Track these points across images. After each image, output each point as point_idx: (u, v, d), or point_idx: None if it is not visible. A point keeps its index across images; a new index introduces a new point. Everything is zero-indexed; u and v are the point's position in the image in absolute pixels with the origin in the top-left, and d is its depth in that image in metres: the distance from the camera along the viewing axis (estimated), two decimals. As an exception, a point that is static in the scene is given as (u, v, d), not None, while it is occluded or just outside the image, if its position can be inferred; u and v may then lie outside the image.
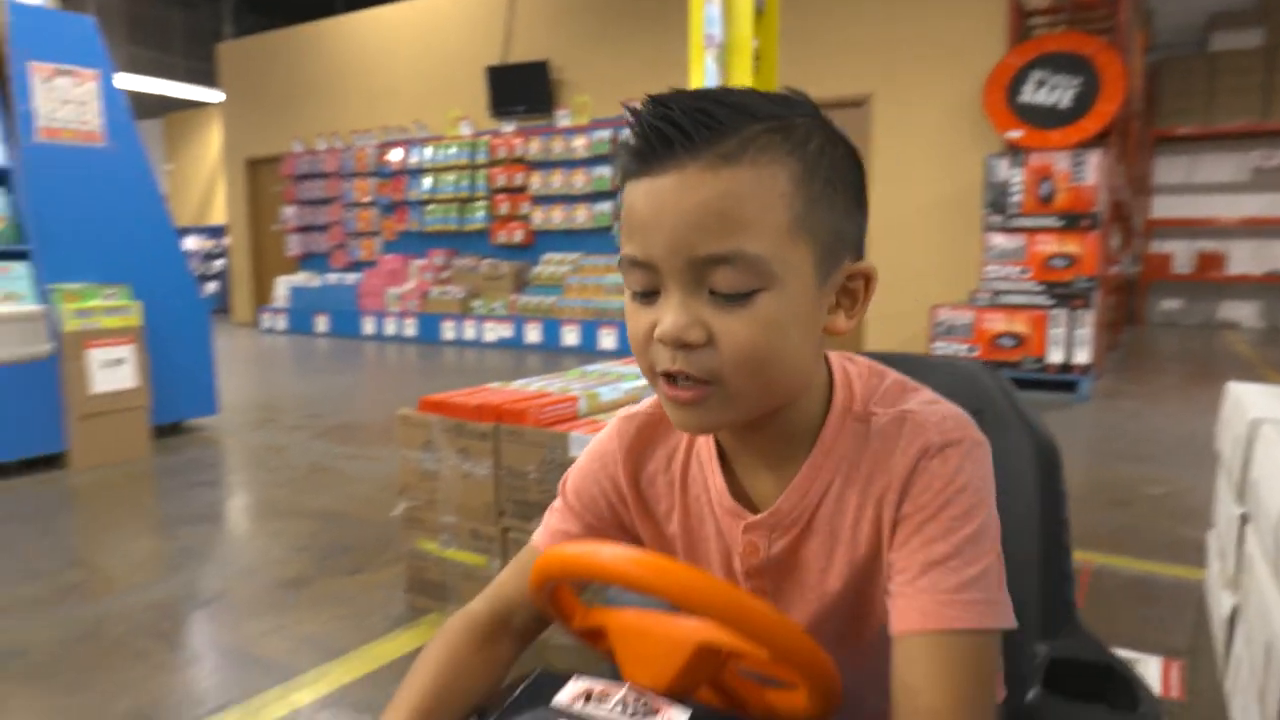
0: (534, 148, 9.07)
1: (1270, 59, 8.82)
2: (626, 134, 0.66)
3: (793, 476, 0.74)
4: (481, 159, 9.47)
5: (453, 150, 9.66)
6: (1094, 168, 5.69)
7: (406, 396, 6.04)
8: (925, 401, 0.73)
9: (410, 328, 9.50)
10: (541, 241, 9.29)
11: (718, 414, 0.68)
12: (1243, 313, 9.73)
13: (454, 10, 9.71)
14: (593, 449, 0.85)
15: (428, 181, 9.87)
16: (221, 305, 13.38)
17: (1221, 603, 1.99)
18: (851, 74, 7.30)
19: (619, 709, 0.63)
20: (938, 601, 0.64)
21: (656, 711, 0.62)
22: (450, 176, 9.71)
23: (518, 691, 0.69)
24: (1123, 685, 0.94)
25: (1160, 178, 9.92)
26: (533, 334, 8.63)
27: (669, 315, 0.64)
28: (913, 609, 0.65)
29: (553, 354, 8.16)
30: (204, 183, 16.13)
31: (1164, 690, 1.89)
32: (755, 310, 0.63)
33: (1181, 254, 9.92)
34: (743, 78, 3.30)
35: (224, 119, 12.20)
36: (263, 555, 2.81)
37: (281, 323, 10.77)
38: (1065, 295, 5.67)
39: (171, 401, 4.55)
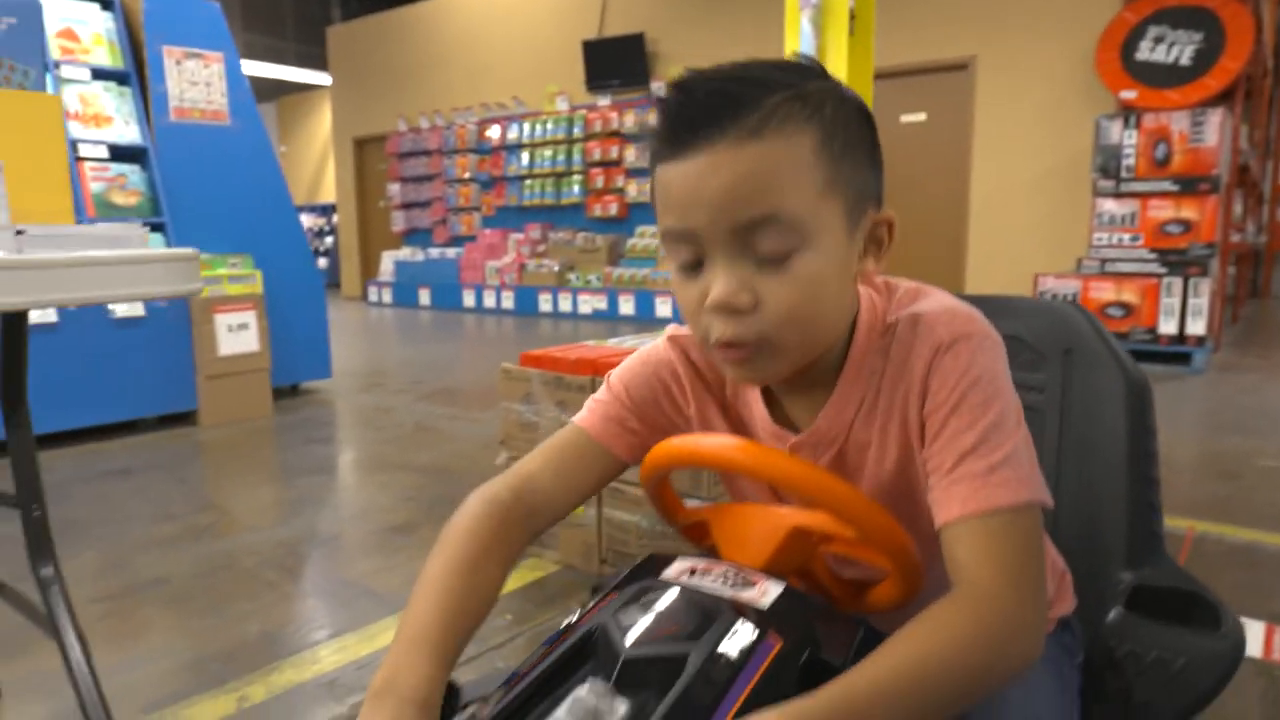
0: (629, 120, 9.14)
1: None
2: (653, 119, 0.71)
3: (828, 398, 0.79)
4: (578, 133, 9.60)
5: (549, 125, 9.81)
6: (1215, 128, 5.40)
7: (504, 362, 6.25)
8: (934, 302, 0.77)
9: (508, 300, 9.75)
10: (635, 214, 9.37)
11: (769, 368, 0.74)
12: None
13: (551, -14, 9.83)
14: (646, 356, 0.89)
15: (525, 157, 10.06)
16: (331, 280, 13.97)
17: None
18: (953, 36, 7.09)
19: (720, 580, 0.70)
20: (973, 487, 0.68)
21: (754, 583, 0.69)
22: (547, 151, 9.88)
23: (630, 569, 0.76)
24: (1207, 611, 0.96)
25: (1292, 140, 9.31)
26: (626, 306, 8.74)
27: (718, 282, 0.69)
28: (952, 499, 0.69)
29: (646, 325, 8.26)
30: (314, 163, 16.82)
31: (1265, 653, 1.85)
32: (796, 271, 0.68)
33: (1315, 222, 9.30)
34: (838, 40, 3.28)
35: (333, 100, 12.69)
36: (373, 503, 2.99)
37: (387, 296, 11.20)
38: (1180, 263, 5.41)
39: (289, 365, 4.83)
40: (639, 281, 8.70)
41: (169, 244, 4.32)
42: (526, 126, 10.03)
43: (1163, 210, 5.55)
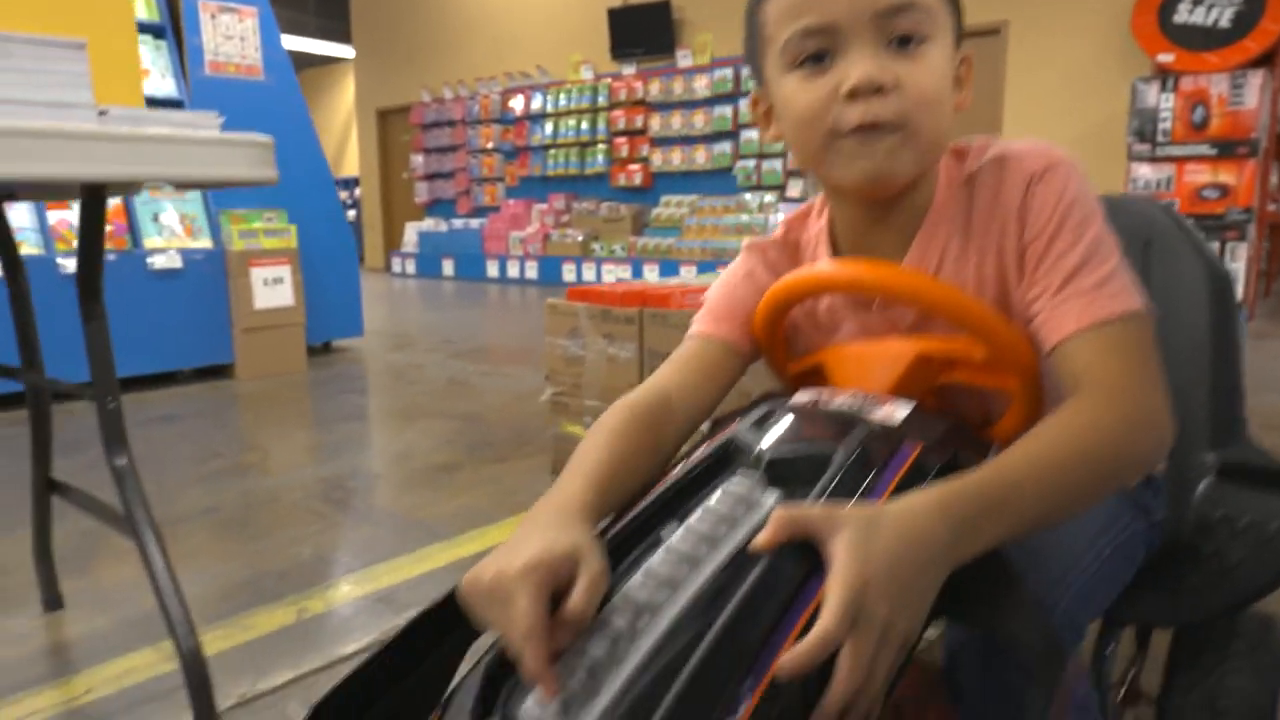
0: (655, 89, 9.09)
1: None
2: None
3: (905, 255, 0.80)
4: (602, 102, 9.56)
5: (574, 94, 9.78)
6: (1255, 90, 5.32)
7: (532, 327, 6.26)
8: (1016, 143, 0.79)
9: (532, 270, 9.75)
10: (660, 183, 9.34)
11: (901, 156, 0.74)
12: None
13: (577, -46, 9.77)
14: (729, 272, 0.92)
15: (549, 127, 10.04)
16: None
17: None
18: (984, 0, 7.00)
19: (848, 401, 0.70)
20: (1085, 301, 0.70)
21: (883, 404, 0.69)
22: (571, 121, 9.84)
23: (747, 405, 0.76)
24: (1293, 486, 0.96)
25: (1329, 112, 9.14)
26: (651, 275, 8.72)
27: (859, 65, 0.71)
28: (1065, 316, 0.70)
29: (671, 294, 8.24)
30: (337, 137, 16.82)
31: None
32: (928, 58, 0.72)
33: (1351, 195, 9.14)
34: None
35: (356, 71, 12.68)
36: (414, 446, 3.02)
37: (411, 267, 11.23)
38: (1217, 228, 5.35)
39: (322, 322, 4.86)
40: (664, 251, 8.68)
41: (205, 199, 4.35)
42: (550, 96, 9.99)
43: (1199, 175, 5.48)
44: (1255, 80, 5.33)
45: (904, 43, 0.71)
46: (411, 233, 11.45)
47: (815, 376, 0.85)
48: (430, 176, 11.64)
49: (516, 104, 10.35)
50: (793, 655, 0.47)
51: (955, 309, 0.72)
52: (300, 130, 4.79)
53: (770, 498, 0.61)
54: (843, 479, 0.59)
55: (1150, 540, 0.89)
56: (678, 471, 0.67)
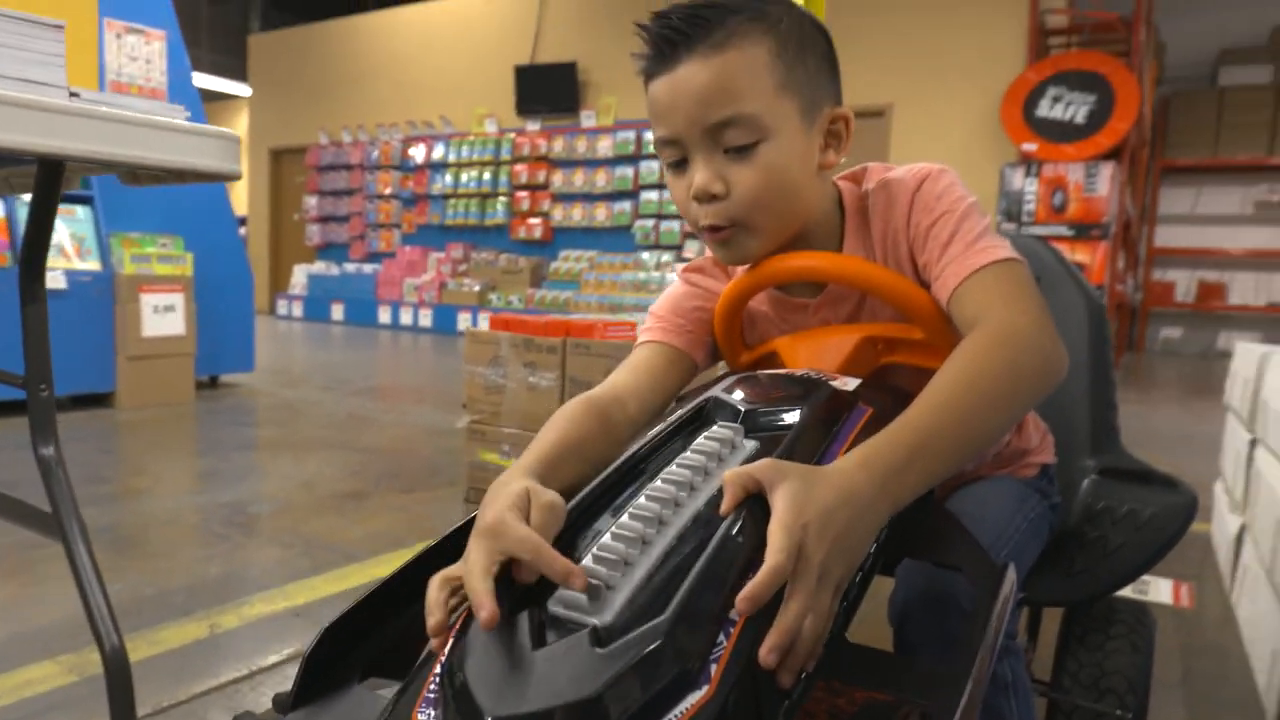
0: (558, 146, 9.28)
1: (1277, 96, 9.08)
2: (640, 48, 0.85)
3: None
4: (505, 156, 9.68)
5: (477, 146, 9.87)
6: (1106, 179, 5.90)
7: (430, 370, 6.21)
8: (898, 168, 0.93)
9: (426, 318, 9.66)
10: (560, 238, 9.48)
11: (747, 246, 0.88)
12: (1243, 343, 9.92)
13: (486, 10, 9.96)
14: (676, 287, 1.02)
15: (450, 177, 10.07)
16: (236, 292, 13.50)
17: (1228, 527, 2.15)
18: (872, 84, 7.53)
19: (807, 374, 0.80)
20: (961, 260, 0.83)
21: (835, 378, 0.79)
22: (473, 172, 9.91)
23: (720, 375, 0.85)
24: (1162, 482, 1.12)
25: (1165, 208, 10.15)
26: (548, 327, 8.79)
27: (697, 175, 0.84)
28: (949, 274, 0.83)
29: (568, 346, 8.32)
30: (223, 174, 16.31)
31: (1175, 601, 2.05)
32: (760, 159, 0.83)
33: (1183, 283, 10.13)
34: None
35: (251, 110, 12.42)
36: (318, 475, 2.96)
37: (298, 309, 10.93)
38: (1074, 302, 5.85)
39: (212, 354, 4.70)
40: (561, 304, 8.77)
41: (96, 220, 4.19)
42: (453, 147, 10.05)
43: (1059, 253, 6.00)
44: (1106, 170, 5.92)
45: (738, 151, 0.82)
46: (300, 275, 11.16)
47: (768, 364, 0.95)
48: (324, 219, 11.43)
49: (418, 152, 10.35)
50: (748, 590, 0.52)
51: (901, 292, 0.84)
52: (202, 158, 4.68)
53: (750, 443, 0.70)
54: (808, 432, 0.69)
55: (1052, 520, 1.03)
56: (659, 427, 0.76)
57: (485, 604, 0.54)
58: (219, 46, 15.98)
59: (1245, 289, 9.82)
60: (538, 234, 9.51)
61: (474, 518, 0.74)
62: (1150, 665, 1.14)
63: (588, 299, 8.61)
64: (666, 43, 0.82)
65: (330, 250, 11.44)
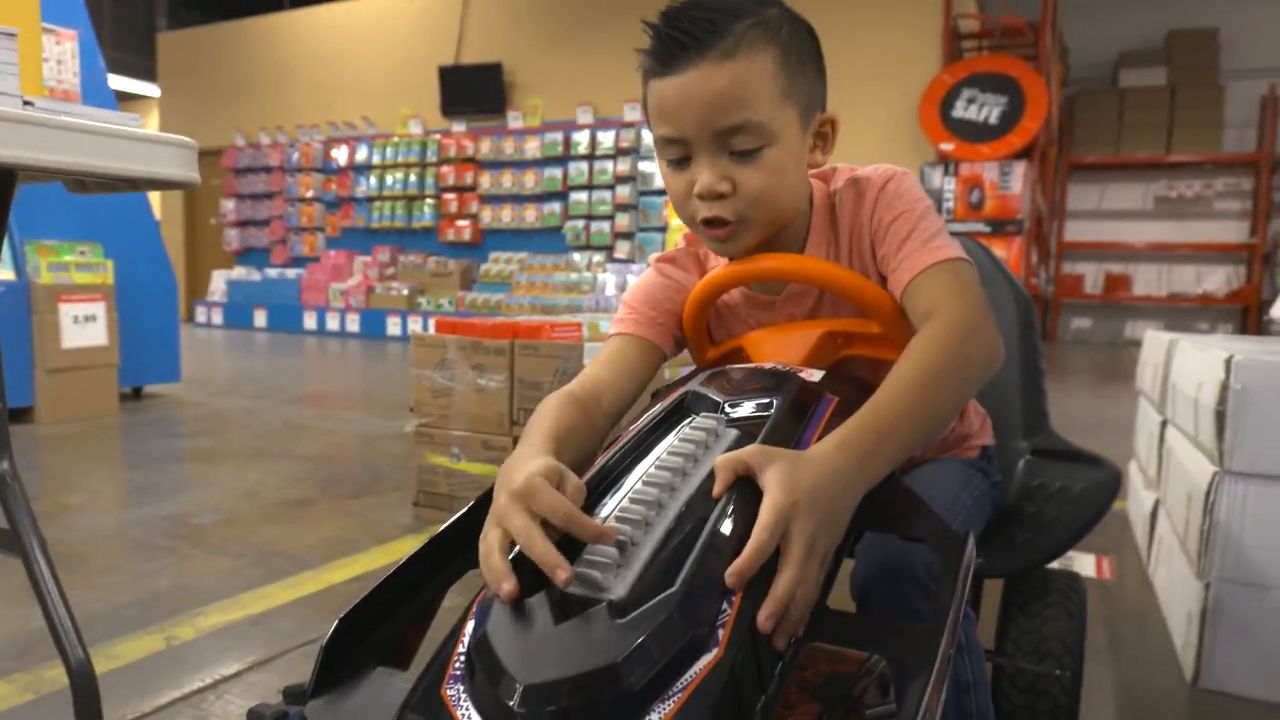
0: (485, 148, 9.24)
1: (1173, 96, 9.60)
2: (647, 44, 0.88)
3: None
4: (431, 158, 9.59)
5: (401, 148, 9.75)
6: (1019, 177, 6.17)
7: (364, 376, 6.13)
8: (866, 167, 1.00)
9: (353, 323, 9.51)
10: (489, 240, 9.44)
11: (744, 240, 0.94)
12: (1148, 331, 10.46)
13: (407, 10, 9.84)
14: (647, 278, 1.07)
15: (374, 179, 9.93)
16: (150, 300, 13.04)
17: (1144, 503, 2.31)
18: (796, 87, 7.70)
19: (775, 368, 0.86)
20: (916, 256, 0.90)
21: (801, 370, 0.85)
22: (399, 174, 9.79)
23: (686, 374, 0.91)
24: (1089, 460, 1.21)
25: (1073, 203, 10.64)
26: (480, 329, 8.75)
27: (704, 175, 0.89)
28: (905, 268, 0.90)
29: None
30: (133, 178, 15.73)
31: (1098, 574, 2.19)
32: (764, 162, 0.89)
33: (1091, 275, 10.63)
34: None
35: (161, 111, 12.01)
36: (261, 484, 2.92)
37: (218, 316, 10.62)
38: (992, 295, 6.10)
39: (135, 365, 4.55)
40: (493, 306, 8.73)
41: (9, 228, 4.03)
42: (377, 148, 9.91)
43: (976, 248, 6.26)
44: (1019, 169, 6.19)
45: (744, 154, 0.88)
46: (220, 281, 10.85)
47: (735, 358, 1.01)
48: (242, 223, 11.14)
49: (340, 154, 10.17)
50: (735, 565, 0.58)
51: (859, 290, 0.90)
52: (120, 163, 4.54)
53: (733, 432, 0.76)
54: (783, 421, 0.75)
55: (994, 497, 1.11)
56: (644, 420, 0.81)
57: (507, 579, 0.60)
58: (123, 44, 15.36)
59: (1149, 280, 10.37)
60: (466, 236, 9.45)
61: (470, 509, 0.78)
62: (1083, 629, 1.24)
63: (520, 300, 8.60)
64: (677, 45, 0.85)
65: (250, 255, 11.16)
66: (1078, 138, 10.13)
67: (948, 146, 6.63)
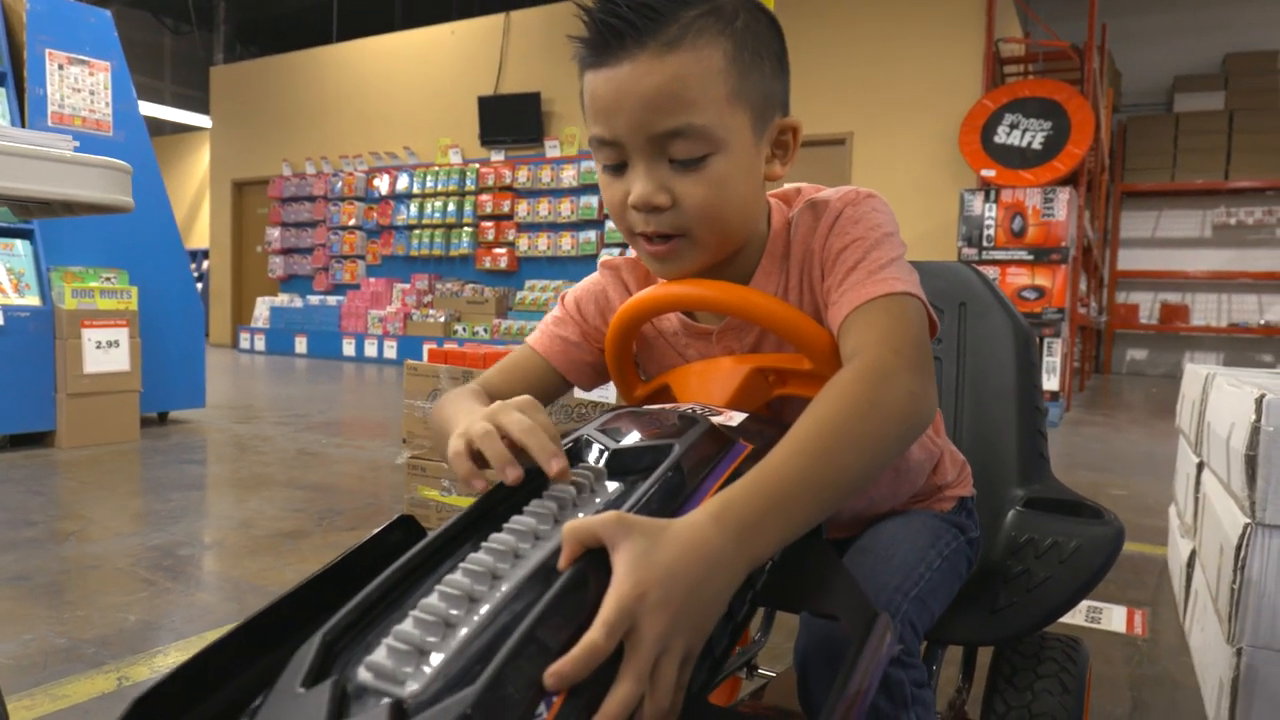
0: (523, 176, 9.26)
1: (1230, 120, 9.27)
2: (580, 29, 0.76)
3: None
4: (469, 186, 9.65)
5: (441, 177, 9.83)
6: (1064, 204, 5.95)
7: (391, 403, 6.10)
8: (830, 189, 0.87)
9: (391, 350, 9.55)
10: (525, 268, 9.43)
11: (689, 260, 0.81)
12: (1206, 363, 10.03)
13: (450, 42, 9.96)
14: (589, 279, 0.98)
15: (415, 207, 10.02)
16: (199, 326, 13.28)
17: (1181, 552, 2.12)
18: (832, 113, 7.59)
19: (691, 410, 0.74)
20: (859, 288, 0.77)
21: (721, 412, 0.74)
22: (437, 203, 9.86)
23: (606, 409, 0.80)
24: (1090, 512, 1.07)
25: (1127, 231, 10.31)
26: (514, 357, 8.71)
27: (638, 185, 0.77)
28: (844, 301, 0.77)
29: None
30: (187, 208, 16.16)
31: (1128, 629, 2.01)
32: (708, 172, 0.76)
33: (1146, 305, 10.26)
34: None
35: (212, 141, 12.32)
36: (258, 514, 2.86)
37: (260, 343, 10.78)
38: (1035, 324, 5.87)
39: (160, 391, 4.58)
40: (528, 334, 8.68)
41: (36, 254, 4.09)
42: (417, 177, 10.01)
43: (1019, 277, 6.04)
44: (1064, 196, 5.97)
45: (685, 163, 0.75)
46: (263, 307, 11.03)
47: (662, 397, 0.90)
48: (287, 251, 11.32)
49: (382, 183, 10.29)
50: (557, 665, 0.47)
51: (780, 319, 0.78)
52: (151, 190, 4.60)
53: (614, 484, 0.64)
54: (674, 474, 0.63)
55: (970, 555, 0.97)
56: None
57: (510, 467, 0.64)
58: (181, 79, 15.93)
59: (1208, 310, 9.97)
60: (503, 264, 9.46)
61: (304, 584, 0.66)
62: (1081, 704, 1.09)
63: (554, 328, 8.54)
64: (612, 32, 0.73)
65: (294, 282, 11.32)
66: (1131, 164, 9.83)
67: (989, 173, 6.43)
